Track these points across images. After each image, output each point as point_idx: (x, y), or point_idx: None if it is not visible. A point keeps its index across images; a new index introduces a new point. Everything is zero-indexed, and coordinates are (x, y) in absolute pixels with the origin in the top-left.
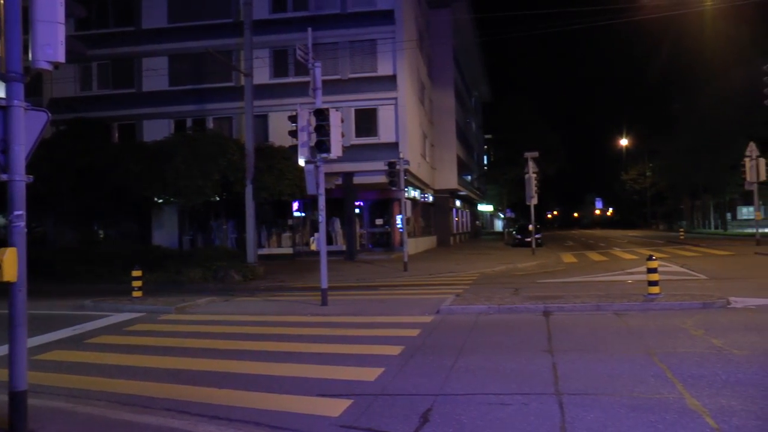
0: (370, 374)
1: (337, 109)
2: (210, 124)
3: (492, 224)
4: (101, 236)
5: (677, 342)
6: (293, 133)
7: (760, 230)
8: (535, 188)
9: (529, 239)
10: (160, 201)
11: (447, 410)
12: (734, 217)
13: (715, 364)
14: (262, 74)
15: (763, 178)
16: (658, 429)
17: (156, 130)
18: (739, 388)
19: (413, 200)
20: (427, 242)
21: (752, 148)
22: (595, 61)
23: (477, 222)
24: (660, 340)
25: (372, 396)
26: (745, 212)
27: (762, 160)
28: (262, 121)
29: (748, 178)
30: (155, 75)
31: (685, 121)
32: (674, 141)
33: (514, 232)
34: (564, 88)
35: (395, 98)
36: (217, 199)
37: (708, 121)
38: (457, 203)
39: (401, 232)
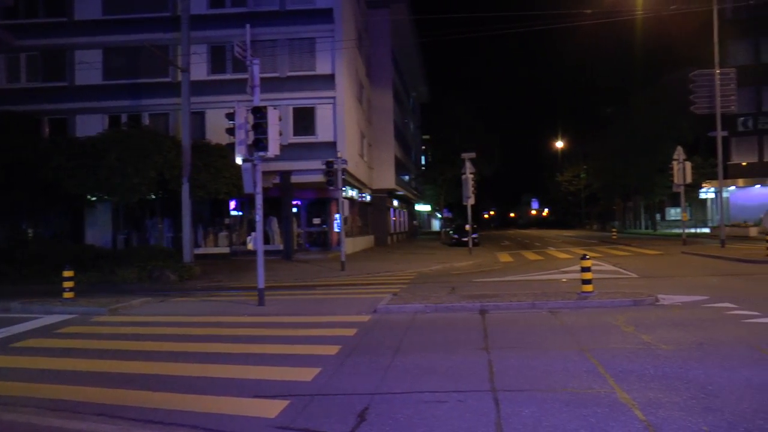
0: (307, 374)
1: (275, 107)
2: (146, 120)
3: (429, 224)
4: (30, 235)
5: (609, 338)
6: (231, 131)
7: (687, 231)
8: (472, 188)
9: (465, 239)
10: (93, 199)
11: (384, 409)
12: (663, 217)
13: (645, 359)
14: (199, 70)
15: (689, 180)
16: (590, 422)
17: (89, 126)
18: (666, 382)
19: (351, 200)
20: (365, 242)
21: (680, 152)
22: (533, 64)
23: (414, 222)
24: (593, 336)
25: (309, 396)
26: (673, 213)
27: (689, 164)
28: (199, 118)
29: (675, 181)
30: (89, 68)
31: (618, 124)
32: (607, 144)
33: (451, 232)
34: (501, 90)
35: (333, 97)
36: (153, 197)
37: (639, 125)
38: (395, 203)
39: (339, 232)
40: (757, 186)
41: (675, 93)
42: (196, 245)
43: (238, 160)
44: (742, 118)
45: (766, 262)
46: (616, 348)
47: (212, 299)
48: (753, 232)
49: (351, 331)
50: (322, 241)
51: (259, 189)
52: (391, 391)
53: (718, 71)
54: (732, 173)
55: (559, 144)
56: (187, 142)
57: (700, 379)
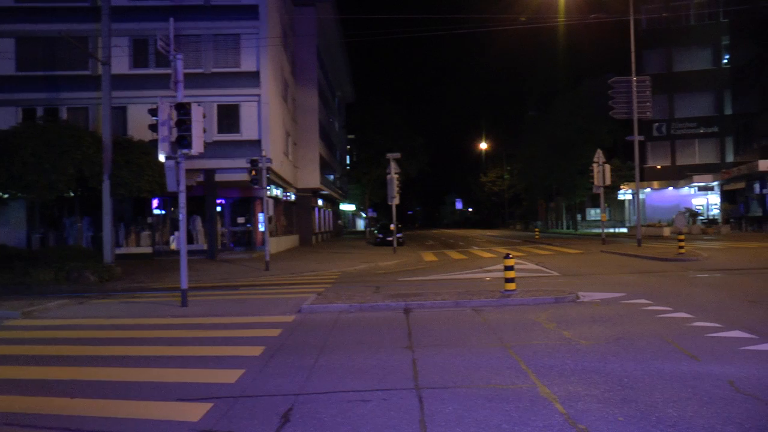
0: (230, 376)
1: (199, 103)
2: (63, 114)
3: (354, 223)
4: None
5: (531, 335)
6: (153, 127)
7: (606, 230)
8: (397, 188)
9: (390, 238)
10: (6, 196)
11: (308, 409)
12: (584, 218)
13: (565, 354)
14: (121, 63)
15: (608, 182)
16: (512, 417)
17: (1, 119)
18: (585, 375)
19: (275, 199)
20: (290, 241)
21: (599, 155)
22: (459, 66)
23: (339, 221)
24: (515, 333)
25: (232, 398)
26: (593, 214)
27: (608, 166)
28: (120, 113)
29: (595, 183)
30: (1, 58)
31: (541, 127)
32: (530, 146)
33: (375, 232)
34: (427, 91)
35: (258, 95)
36: (72, 194)
37: (561, 128)
38: (320, 202)
39: (263, 231)
40: (671, 188)
41: (595, 98)
42: (118, 245)
43: (162, 158)
44: (656, 124)
45: (678, 261)
46: (537, 344)
47: (134, 300)
48: (667, 231)
49: (275, 332)
50: (246, 240)
51: (182, 187)
52: (316, 391)
53: (634, 78)
54: (648, 176)
55: (484, 145)
56: (108, 138)
57: (617, 372)
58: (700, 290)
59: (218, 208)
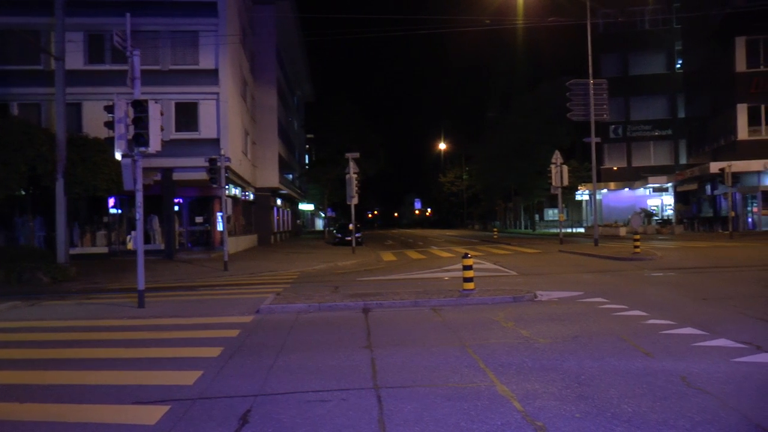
0: (188, 378)
1: (156, 101)
2: (14, 111)
3: (313, 223)
4: None
5: (489, 334)
6: (110, 125)
7: (563, 230)
8: (356, 188)
9: (349, 238)
10: None
11: (267, 410)
12: (542, 218)
13: (523, 352)
14: (75, 59)
15: (566, 183)
16: (470, 415)
17: None
18: (543, 374)
19: (234, 198)
20: (248, 241)
21: (557, 156)
22: (419, 67)
23: (298, 221)
24: (474, 332)
25: (190, 400)
26: (551, 214)
27: (565, 167)
28: (75, 110)
29: (553, 183)
30: None
31: (500, 128)
32: (489, 147)
33: (334, 231)
34: (387, 91)
35: (217, 93)
36: (23, 193)
37: (519, 129)
38: (279, 202)
39: (222, 231)
40: (627, 189)
41: (553, 100)
42: (72, 245)
43: (118, 156)
44: (613, 126)
45: (634, 260)
46: (496, 343)
47: (89, 302)
48: (623, 231)
49: (234, 333)
50: (204, 240)
51: (139, 186)
52: (275, 392)
53: (591, 82)
54: (605, 177)
55: (443, 146)
56: (63, 135)
57: (574, 370)
58: (655, 289)
59: (176, 208)
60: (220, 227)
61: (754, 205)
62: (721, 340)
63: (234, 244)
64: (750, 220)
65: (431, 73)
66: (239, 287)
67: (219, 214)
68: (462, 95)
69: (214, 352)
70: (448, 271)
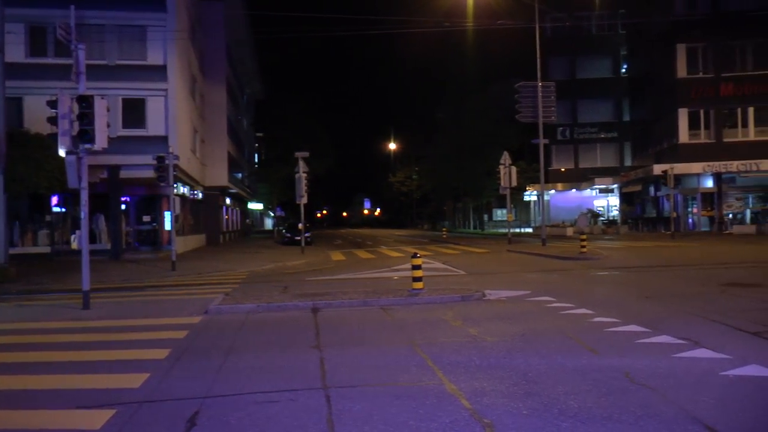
0: (134, 381)
1: (102, 96)
2: None
3: (262, 223)
4: None
5: (438, 333)
6: (53, 120)
7: (512, 230)
8: (306, 187)
9: (298, 237)
10: None
11: (215, 412)
12: (491, 218)
13: (471, 351)
14: (16, 51)
15: (515, 184)
16: (419, 414)
17: None
18: (490, 371)
19: (183, 197)
20: (196, 240)
21: (506, 157)
22: (369, 66)
23: (247, 220)
24: (423, 331)
25: (136, 404)
26: (500, 214)
27: (514, 168)
28: (15, 105)
29: (502, 184)
30: None
31: (449, 129)
32: (439, 147)
33: (284, 231)
34: (337, 90)
35: (166, 90)
36: None
37: (469, 130)
38: (228, 201)
39: (170, 230)
40: (574, 190)
41: (502, 101)
42: (12, 244)
43: (62, 153)
44: (561, 128)
45: (580, 259)
46: (444, 342)
47: (30, 303)
48: (570, 231)
49: (181, 334)
50: (152, 239)
51: (84, 184)
52: (223, 394)
53: (540, 84)
54: (552, 178)
55: (392, 146)
56: (2, 130)
57: (522, 367)
58: (601, 287)
59: (123, 206)
60: (168, 226)
61: (694, 206)
62: (662, 337)
63: (182, 244)
64: (690, 220)
65: (381, 73)
66: (187, 287)
67: (167, 213)
68: (412, 96)
69: (161, 354)
70: (398, 270)
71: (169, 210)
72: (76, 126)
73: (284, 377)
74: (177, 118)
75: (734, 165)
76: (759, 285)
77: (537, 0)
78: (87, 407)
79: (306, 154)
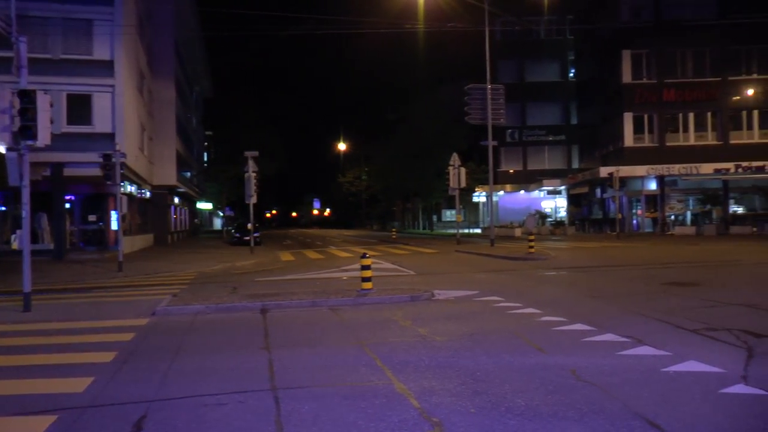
0: (78, 385)
1: (46, 91)
2: None
3: (211, 222)
4: None
5: (387, 332)
6: None
7: (461, 231)
8: (255, 187)
9: (247, 238)
10: None
11: (162, 416)
12: (440, 218)
13: (420, 350)
14: None
15: (464, 185)
16: (368, 413)
17: None
18: (439, 371)
19: (130, 196)
20: (144, 240)
21: (455, 159)
22: (319, 66)
23: (196, 220)
24: (372, 331)
25: (79, 409)
26: (449, 215)
27: (463, 170)
28: None
29: (451, 185)
30: None
31: (399, 130)
32: (389, 148)
33: (233, 231)
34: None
35: (112, 85)
36: None
37: (419, 131)
38: (176, 200)
39: (116, 230)
40: (522, 191)
41: (452, 103)
42: None
43: (2, 149)
44: (509, 130)
45: (528, 260)
46: (394, 341)
47: None
48: (518, 232)
49: (128, 336)
50: (98, 239)
51: (26, 182)
52: (171, 397)
53: (489, 86)
54: (501, 179)
55: (342, 146)
56: None
57: (470, 367)
58: (548, 287)
59: (67, 205)
60: (114, 226)
61: (639, 207)
62: (608, 335)
63: (129, 244)
64: (635, 221)
65: (332, 72)
66: (134, 288)
67: (113, 213)
68: (363, 96)
69: (106, 357)
70: (347, 270)
71: (115, 209)
72: (18, 122)
73: (233, 379)
74: (124, 114)
75: (676, 168)
76: (698, 284)
77: (487, 3)
78: (28, 413)
79: (255, 153)
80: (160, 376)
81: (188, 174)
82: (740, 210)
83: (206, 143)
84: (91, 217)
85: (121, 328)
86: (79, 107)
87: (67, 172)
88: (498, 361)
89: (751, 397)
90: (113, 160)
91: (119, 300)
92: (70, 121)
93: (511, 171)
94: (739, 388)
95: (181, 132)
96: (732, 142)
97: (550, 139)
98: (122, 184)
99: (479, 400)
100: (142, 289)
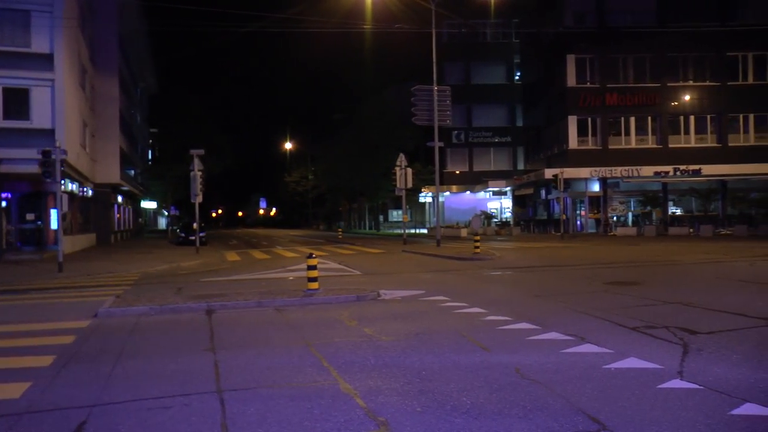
0: (14, 391)
1: None
2: None
3: (156, 222)
4: None
5: (333, 333)
6: None
7: (407, 231)
8: (201, 186)
9: (193, 237)
10: None
11: (104, 421)
12: (386, 218)
13: (366, 350)
14: None
15: (410, 185)
16: (313, 414)
17: None
18: (385, 370)
19: (71, 194)
20: (86, 240)
21: (402, 159)
22: (267, 65)
23: (140, 219)
24: (318, 331)
25: (16, 415)
26: (395, 215)
27: (410, 170)
28: None
29: (398, 185)
30: None
31: (346, 130)
32: (335, 148)
33: (178, 230)
34: (233, 88)
35: (52, 80)
36: None
37: (365, 132)
38: (120, 199)
39: (56, 229)
40: (468, 192)
41: (399, 104)
42: None
43: None
44: (456, 132)
45: (474, 260)
46: (340, 342)
47: None
48: (464, 232)
49: (68, 339)
50: (36, 239)
51: None
52: (113, 401)
53: (435, 88)
54: (447, 180)
55: (289, 145)
56: None
57: (416, 366)
58: (493, 287)
59: (3, 203)
60: (54, 225)
61: (582, 208)
62: (551, 333)
63: (70, 244)
64: (579, 222)
65: (279, 72)
66: (75, 290)
67: (53, 211)
68: (310, 96)
69: (45, 361)
70: (293, 271)
71: (55, 208)
72: None
73: (177, 382)
74: (65, 110)
75: (618, 171)
76: (638, 283)
77: (435, 4)
78: None
79: (201, 151)
80: (101, 379)
81: (132, 172)
82: (678, 211)
83: (151, 141)
84: (29, 216)
85: (61, 330)
86: (17, 102)
87: (4, 168)
88: (443, 359)
89: (687, 392)
90: (53, 156)
91: (59, 302)
92: (7, 115)
93: (457, 172)
94: (676, 383)
95: (124, 129)
96: (671, 146)
97: (496, 140)
98: (63, 181)
99: (425, 398)
100: (83, 290)
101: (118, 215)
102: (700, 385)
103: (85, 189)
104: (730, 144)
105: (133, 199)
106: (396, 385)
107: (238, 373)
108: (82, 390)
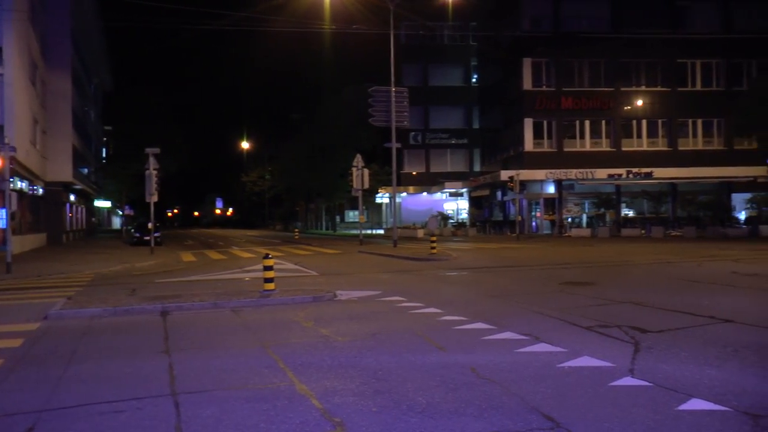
0: None
1: None
2: None
3: (110, 221)
4: None
5: (290, 334)
6: None
7: (364, 231)
8: (156, 185)
9: (148, 237)
10: None
11: (53, 426)
12: (343, 219)
13: (323, 351)
14: None
15: (367, 186)
16: (270, 416)
17: None
18: (341, 371)
19: (20, 192)
20: (36, 240)
21: (359, 160)
22: (223, 64)
23: (94, 219)
24: (274, 333)
25: None
26: (352, 215)
27: (366, 171)
28: None
29: (354, 186)
30: None
31: (304, 130)
32: (293, 148)
33: (132, 230)
34: (190, 86)
35: (1, 74)
36: None
37: (323, 132)
38: (72, 198)
39: (5, 229)
40: (425, 193)
41: (356, 105)
42: None
43: None
44: (413, 133)
45: (430, 260)
46: (296, 342)
47: None
48: (420, 233)
49: (16, 342)
50: None
51: None
52: (63, 406)
53: (393, 89)
54: (404, 181)
55: (245, 145)
56: None
57: (372, 366)
58: (450, 287)
59: None
60: (2, 224)
61: (538, 210)
62: (506, 333)
63: (19, 244)
64: (534, 223)
65: (236, 71)
66: (25, 291)
67: (2, 210)
68: (268, 95)
69: None
70: (249, 271)
71: (4, 207)
72: None
73: (131, 385)
74: (15, 106)
75: (573, 173)
76: (592, 283)
77: (393, 4)
78: None
79: (157, 150)
80: (51, 383)
81: (86, 170)
82: (631, 213)
83: (105, 139)
84: None
85: (9, 333)
86: None
87: None
88: (400, 360)
89: (637, 388)
90: (2, 153)
91: (7, 304)
92: None
93: (414, 173)
94: (627, 381)
95: (77, 126)
96: (624, 149)
97: (453, 142)
98: (12, 179)
99: (381, 399)
100: (33, 291)
101: (70, 214)
102: (649, 382)
103: (35, 187)
104: (679, 148)
105: (86, 198)
106: (352, 386)
107: (193, 376)
108: (30, 394)
